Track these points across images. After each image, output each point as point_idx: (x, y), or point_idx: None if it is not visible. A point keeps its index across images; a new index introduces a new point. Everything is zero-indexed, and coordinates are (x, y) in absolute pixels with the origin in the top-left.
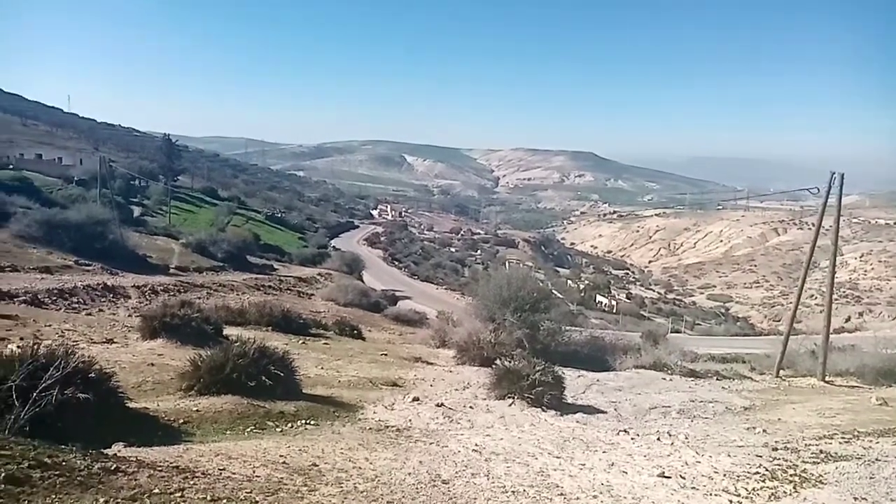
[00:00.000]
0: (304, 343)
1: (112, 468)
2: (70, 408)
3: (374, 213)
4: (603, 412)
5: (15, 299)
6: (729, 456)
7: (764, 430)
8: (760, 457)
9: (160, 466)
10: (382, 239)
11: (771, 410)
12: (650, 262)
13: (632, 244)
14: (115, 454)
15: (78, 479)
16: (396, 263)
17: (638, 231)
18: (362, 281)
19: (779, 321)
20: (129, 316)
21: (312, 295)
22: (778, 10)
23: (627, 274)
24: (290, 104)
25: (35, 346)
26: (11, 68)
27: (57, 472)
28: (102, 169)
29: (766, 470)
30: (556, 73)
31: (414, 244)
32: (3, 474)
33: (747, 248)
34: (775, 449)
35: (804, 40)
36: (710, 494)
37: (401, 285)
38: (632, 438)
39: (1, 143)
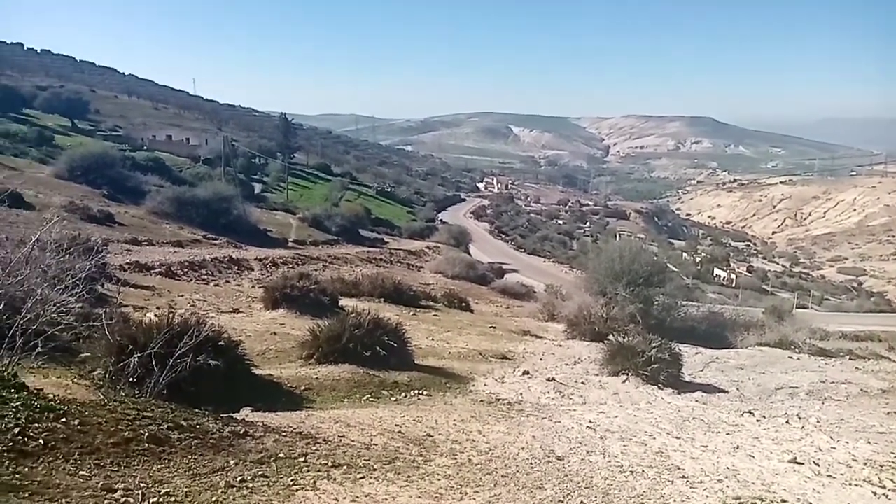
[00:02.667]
0: (414, 314)
1: (241, 432)
2: (202, 373)
3: (481, 185)
4: (724, 391)
5: (151, 271)
6: (869, 443)
7: None
8: None
9: (285, 432)
10: (489, 212)
11: None
12: (774, 233)
13: (753, 214)
14: (244, 419)
15: (210, 441)
16: (503, 236)
17: (760, 200)
18: (469, 254)
19: None
20: (253, 287)
21: (421, 267)
22: None
23: (748, 246)
24: (399, 79)
25: (171, 315)
26: (143, 55)
27: (192, 435)
28: (226, 148)
29: None
30: (669, 35)
31: (520, 217)
32: (146, 434)
33: (884, 217)
34: None
35: None
36: (850, 484)
37: (507, 258)
38: (757, 420)
39: (136, 126)
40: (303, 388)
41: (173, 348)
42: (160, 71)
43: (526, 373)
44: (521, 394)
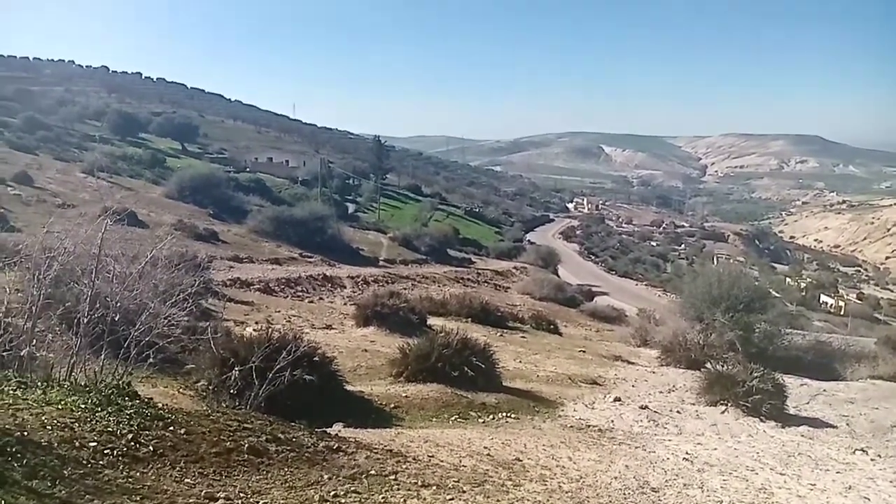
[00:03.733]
0: (501, 335)
1: (334, 447)
2: (298, 388)
3: (570, 206)
4: (832, 426)
5: (251, 287)
6: None
7: None
8: None
9: (376, 448)
10: (578, 232)
11: None
12: (887, 258)
13: (864, 238)
14: (337, 434)
15: (306, 455)
16: (592, 258)
17: (872, 223)
18: (557, 275)
19: None
20: (345, 304)
21: (508, 288)
22: None
23: (858, 271)
24: (488, 100)
25: (269, 331)
26: (248, 82)
27: (288, 448)
28: (322, 170)
29: None
30: (771, 51)
31: (611, 238)
32: (246, 445)
33: None
34: None
35: None
36: None
37: (597, 280)
38: (871, 459)
39: (239, 149)
40: (392, 405)
41: (272, 363)
42: (263, 97)
43: (617, 399)
44: (612, 421)
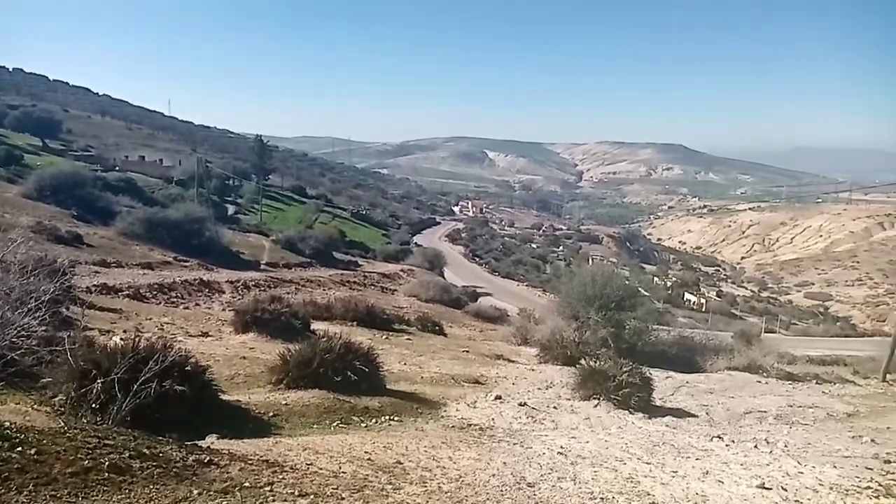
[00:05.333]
0: (387, 338)
1: (205, 461)
2: (167, 399)
3: (456, 209)
4: (694, 416)
5: (119, 294)
6: (835, 467)
7: (872, 440)
8: (871, 469)
9: (251, 460)
10: (463, 235)
11: (878, 418)
12: (743, 258)
13: (723, 240)
14: (209, 446)
15: (174, 470)
16: (477, 260)
17: (730, 226)
18: (444, 277)
19: (884, 321)
20: (223, 310)
21: (395, 291)
22: None
23: (718, 271)
24: (376, 103)
25: (136, 340)
26: (119, 77)
27: (155, 463)
28: (199, 169)
29: (880, 485)
30: (642, 64)
31: (495, 240)
32: (107, 463)
33: (849, 243)
34: (888, 461)
35: None
36: None
37: (482, 282)
38: (726, 445)
39: (108, 146)
40: (271, 414)
41: (138, 373)
42: (135, 92)
43: (498, 397)
44: (492, 419)
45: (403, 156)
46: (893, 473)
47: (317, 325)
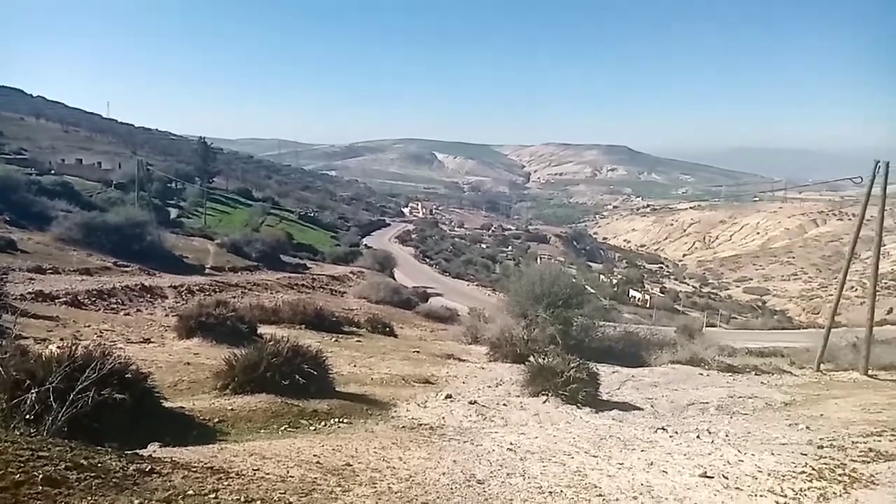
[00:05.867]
0: (336, 341)
1: (147, 469)
2: (107, 408)
3: (405, 210)
4: (639, 409)
5: (56, 300)
6: (772, 454)
7: (807, 427)
8: (805, 455)
9: (194, 467)
10: (413, 236)
11: (813, 406)
12: (684, 255)
13: (666, 238)
14: (151, 455)
15: (113, 480)
16: (427, 260)
17: (672, 224)
18: (394, 278)
19: (818, 314)
20: (167, 316)
21: (345, 293)
22: None
23: (661, 268)
24: (323, 105)
25: (73, 348)
26: (54, 78)
27: (93, 474)
28: (140, 172)
29: (813, 469)
30: (588, 67)
31: (445, 241)
32: (40, 476)
33: (785, 240)
34: (821, 447)
35: (851, 25)
36: (756, 495)
37: (432, 282)
38: (670, 436)
39: (43, 149)
40: (217, 420)
41: (75, 382)
42: (72, 93)
43: (449, 396)
44: (443, 418)
45: (352, 157)
46: (826, 458)
47: (264, 329)
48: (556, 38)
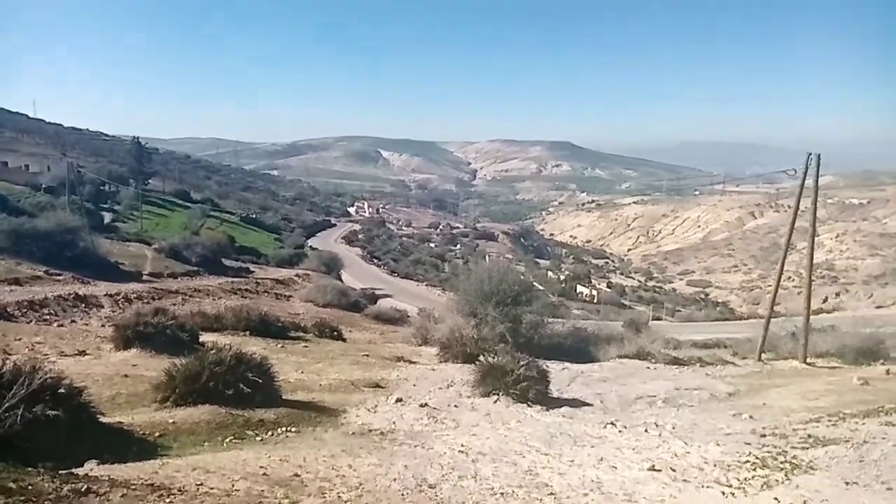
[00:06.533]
0: (283, 347)
1: (83, 489)
2: (39, 426)
3: (352, 210)
4: (589, 405)
5: None
6: (718, 445)
7: (750, 416)
8: (749, 444)
9: (134, 485)
10: (360, 237)
11: (755, 395)
12: (629, 250)
13: (611, 233)
14: (87, 474)
15: (46, 503)
16: (375, 261)
17: (616, 219)
18: (341, 280)
19: (758, 305)
20: (103, 326)
21: (290, 297)
22: None
23: (607, 263)
24: (264, 102)
25: (1, 363)
26: None
27: (23, 498)
28: (71, 175)
29: (757, 458)
30: (531, 64)
31: (392, 241)
32: None
33: (725, 232)
34: (763, 435)
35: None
36: (702, 486)
37: (381, 283)
38: (619, 431)
39: None
40: (157, 434)
41: (1, 400)
42: None
43: (399, 400)
44: (393, 422)
45: (294, 156)
46: (769, 447)
47: (206, 337)
48: (499, 36)
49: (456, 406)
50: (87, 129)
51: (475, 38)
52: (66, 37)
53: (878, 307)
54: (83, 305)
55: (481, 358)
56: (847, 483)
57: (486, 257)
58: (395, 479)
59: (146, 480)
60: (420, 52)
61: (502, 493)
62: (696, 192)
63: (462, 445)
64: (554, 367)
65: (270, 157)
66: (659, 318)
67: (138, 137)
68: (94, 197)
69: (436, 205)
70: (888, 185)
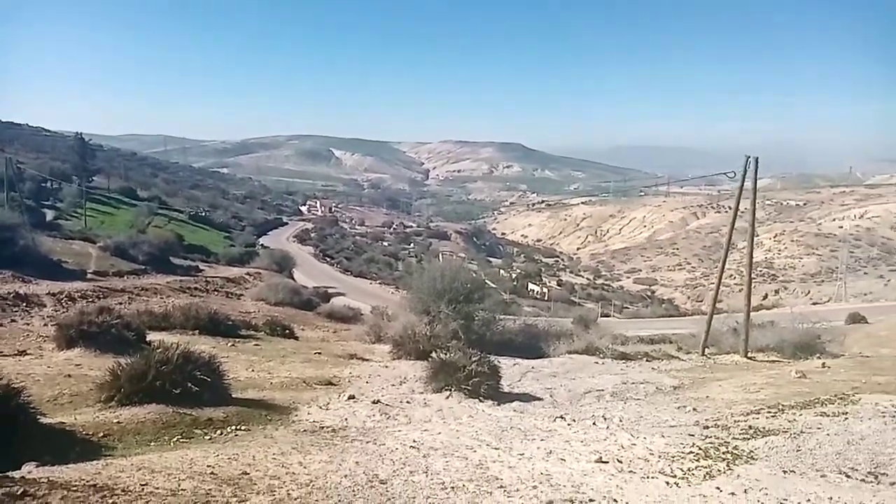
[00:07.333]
0: (233, 345)
1: (18, 493)
2: None
3: (304, 209)
4: (539, 399)
5: None
6: (663, 437)
7: (694, 409)
8: (693, 436)
9: (75, 486)
10: (313, 235)
11: (699, 388)
12: (578, 249)
13: (560, 232)
14: (23, 476)
15: None
16: (328, 260)
17: (566, 219)
18: (293, 279)
19: (701, 301)
20: (45, 325)
21: (241, 295)
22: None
23: (557, 261)
24: (212, 99)
25: None
26: None
27: None
28: (9, 171)
29: (700, 449)
30: (483, 66)
31: (346, 239)
32: None
33: (669, 232)
34: (706, 427)
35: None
36: (648, 477)
37: (334, 282)
38: (568, 424)
39: None
40: (101, 434)
41: None
42: None
43: (352, 397)
44: (346, 419)
45: (245, 154)
46: (711, 438)
47: (154, 336)
48: (449, 35)
49: (408, 402)
50: (27, 125)
51: (428, 37)
52: (3, 28)
53: (815, 304)
54: (24, 304)
55: (434, 354)
56: (785, 471)
57: (440, 256)
58: (345, 476)
59: (88, 481)
60: (373, 52)
61: (453, 487)
62: (642, 193)
63: (414, 441)
64: (506, 363)
65: (220, 154)
66: (607, 315)
67: (81, 133)
68: (35, 194)
69: (389, 204)
70: (822, 188)
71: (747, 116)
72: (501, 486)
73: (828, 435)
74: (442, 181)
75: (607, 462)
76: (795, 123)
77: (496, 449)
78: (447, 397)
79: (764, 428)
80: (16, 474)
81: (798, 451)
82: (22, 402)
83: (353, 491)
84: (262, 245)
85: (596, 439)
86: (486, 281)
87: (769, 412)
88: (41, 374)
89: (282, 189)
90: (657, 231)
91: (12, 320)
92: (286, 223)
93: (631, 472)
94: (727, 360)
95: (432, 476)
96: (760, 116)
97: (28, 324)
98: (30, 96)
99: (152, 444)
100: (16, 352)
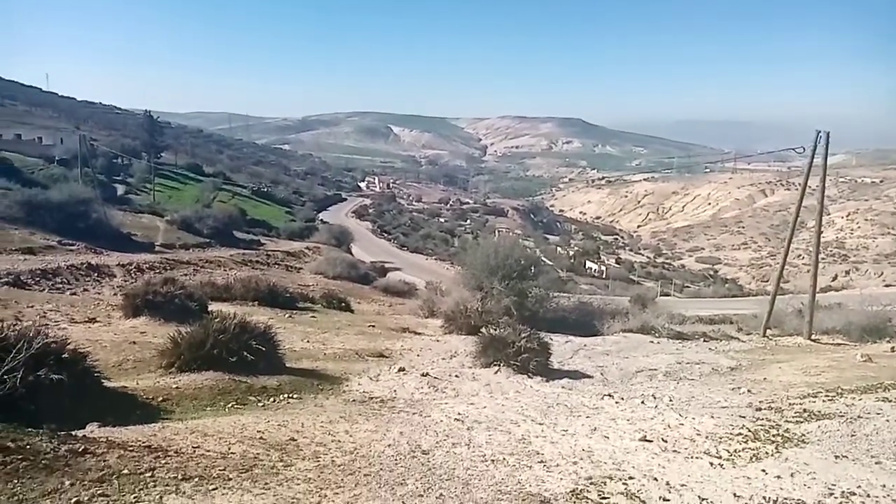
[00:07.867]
0: (290, 317)
1: (80, 450)
2: (43, 389)
3: (362, 185)
4: (589, 377)
5: None
6: (712, 417)
7: (749, 391)
8: (744, 417)
9: (132, 446)
10: (371, 211)
11: (757, 370)
12: (639, 226)
13: (620, 209)
14: (85, 435)
15: (43, 462)
16: (385, 235)
17: (626, 196)
18: (351, 254)
19: (766, 282)
20: (114, 295)
21: (300, 269)
22: None
23: (616, 239)
24: (275, 77)
25: (4, 327)
26: None
27: (20, 457)
28: (83, 148)
29: (749, 430)
30: (543, 40)
31: (403, 215)
32: None
33: (735, 210)
34: (759, 409)
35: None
36: (692, 457)
37: (390, 257)
38: (616, 402)
39: None
40: (161, 398)
41: (2, 363)
42: (8, 65)
43: (402, 369)
44: (394, 391)
45: (306, 131)
46: (762, 420)
47: (215, 307)
48: (510, 12)
49: (457, 376)
50: (101, 103)
51: (488, 12)
52: (80, 10)
53: (888, 285)
54: (96, 275)
55: (483, 330)
56: (837, 456)
57: (496, 233)
58: (389, 445)
59: (144, 442)
60: (432, 28)
61: (493, 460)
62: (707, 170)
63: (459, 414)
64: (557, 340)
65: (282, 131)
66: (667, 294)
67: (150, 111)
68: (107, 170)
69: (446, 180)
70: None
71: (819, 87)
72: (542, 461)
73: (887, 421)
74: (500, 157)
75: (651, 441)
76: (872, 96)
77: (540, 424)
78: (496, 372)
79: (819, 411)
80: (79, 433)
81: (853, 436)
82: (88, 367)
83: (396, 460)
84: (321, 220)
85: (643, 418)
86: (542, 258)
87: (827, 396)
88: (108, 340)
89: (341, 165)
90: (722, 209)
91: (85, 289)
92: (345, 199)
93: (675, 451)
94: (789, 342)
95: (474, 448)
96: (835, 86)
97: (99, 293)
98: (103, 76)
99: (208, 409)
100: (86, 319)
